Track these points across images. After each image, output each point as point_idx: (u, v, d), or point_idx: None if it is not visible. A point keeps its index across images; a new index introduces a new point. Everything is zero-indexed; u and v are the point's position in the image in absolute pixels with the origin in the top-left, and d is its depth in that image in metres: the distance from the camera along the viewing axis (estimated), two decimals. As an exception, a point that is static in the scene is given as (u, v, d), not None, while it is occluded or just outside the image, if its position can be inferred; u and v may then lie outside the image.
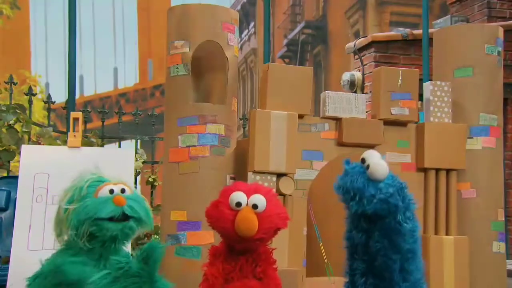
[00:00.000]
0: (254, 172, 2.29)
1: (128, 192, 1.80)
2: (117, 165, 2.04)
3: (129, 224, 1.77)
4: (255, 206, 1.76)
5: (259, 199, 1.77)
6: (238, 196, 1.77)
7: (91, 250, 1.77)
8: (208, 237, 2.24)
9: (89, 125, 3.84)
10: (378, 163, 1.71)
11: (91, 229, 1.73)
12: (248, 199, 1.77)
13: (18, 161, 2.78)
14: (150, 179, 3.80)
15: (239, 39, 2.56)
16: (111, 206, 1.74)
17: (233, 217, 1.75)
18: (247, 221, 1.73)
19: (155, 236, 3.47)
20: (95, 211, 1.73)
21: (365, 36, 6.31)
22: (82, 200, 1.74)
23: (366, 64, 6.14)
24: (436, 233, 2.54)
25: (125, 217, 1.76)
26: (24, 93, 3.60)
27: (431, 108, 2.59)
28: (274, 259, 1.88)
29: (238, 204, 1.76)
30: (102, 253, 1.78)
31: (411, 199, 1.77)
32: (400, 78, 2.56)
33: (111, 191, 1.76)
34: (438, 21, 6.43)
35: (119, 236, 1.77)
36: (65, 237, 1.79)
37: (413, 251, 1.76)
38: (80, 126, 2.62)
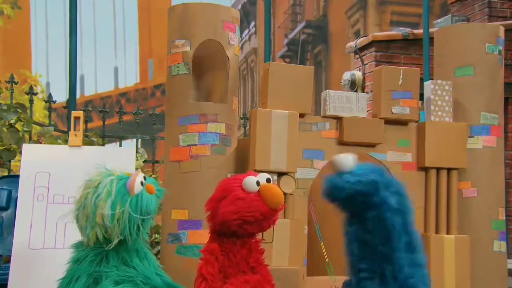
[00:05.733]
0: (255, 171, 2.29)
1: (146, 177, 1.87)
2: (118, 164, 2.04)
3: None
4: (268, 180, 1.81)
5: (266, 175, 1.82)
6: (251, 178, 1.81)
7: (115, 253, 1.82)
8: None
9: (90, 125, 3.85)
10: (339, 156, 1.72)
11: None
12: (258, 179, 1.81)
13: (19, 161, 2.79)
14: (151, 178, 3.80)
15: (240, 39, 2.56)
16: (152, 197, 1.83)
17: (258, 196, 1.78)
18: (275, 190, 1.79)
19: (156, 235, 3.47)
20: (151, 206, 1.82)
21: (366, 36, 6.31)
22: (124, 201, 1.77)
23: (366, 64, 6.14)
24: (437, 232, 2.54)
25: None
26: (25, 92, 3.60)
27: (432, 107, 2.60)
28: (262, 249, 1.91)
29: (258, 182, 1.79)
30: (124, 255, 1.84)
31: (393, 179, 1.75)
32: (401, 77, 2.56)
33: (141, 183, 1.82)
34: (439, 20, 6.44)
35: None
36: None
37: (406, 232, 1.72)
38: (81, 125, 2.62)
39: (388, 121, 2.54)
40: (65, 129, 3.54)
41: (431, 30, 4.11)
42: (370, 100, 3.11)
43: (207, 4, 2.42)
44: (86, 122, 3.67)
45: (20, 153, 2.87)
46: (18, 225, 2.40)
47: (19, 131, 3.24)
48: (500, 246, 2.59)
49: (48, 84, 18.12)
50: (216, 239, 1.85)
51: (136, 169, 3.48)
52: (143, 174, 1.86)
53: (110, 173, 1.85)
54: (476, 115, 2.64)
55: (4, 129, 3.19)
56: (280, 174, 2.35)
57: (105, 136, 3.90)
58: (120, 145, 4.02)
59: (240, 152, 2.43)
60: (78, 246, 1.87)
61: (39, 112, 9.41)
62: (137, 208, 1.78)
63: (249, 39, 19.88)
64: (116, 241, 1.78)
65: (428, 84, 2.63)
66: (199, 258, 1.85)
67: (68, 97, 3.39)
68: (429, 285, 1.75)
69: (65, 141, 3.08)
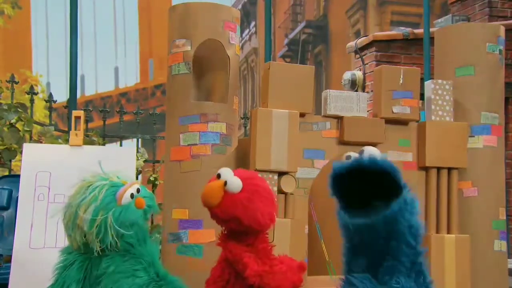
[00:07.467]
0: (256, 170, 2.30)
1: (141, 190, 1.83)
2: (118, 164, 2.04)
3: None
4: (225, 183, 1.75)
5: (233, 180, 1.75)
6: (224, 170, 1.78)
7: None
8: (210, 236, 2.24)
9: (90, 125, 3.85)
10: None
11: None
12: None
13: (20, 160, 2.79)
14: (151, 178, 3.80)
15: (240, 38, 2.56)
16: (138, 212, 1.80)
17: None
18: (208, 189, 1.76)
19: (157, 235, 3.48)
20: (134, 221, 1.78)
21: (366, 36, 6.32)
22: (108, 209, 1.75)
23: (367, 64, 6.15)
24: (438, 231, 2.54)
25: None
26: (26, 92, 3.60)
27: (433, 106, 2.60)
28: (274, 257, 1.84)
29: (218, 175, 1.78)
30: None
31: None
32: (401, 77, 2.56)
33: (132, 195, 1.78)
34: (439, 20, 6.45)
35: None
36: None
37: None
38: (82, 125, 2.62)
39: (388, 121, 2.54)
40: (66, 129, 3.54)
41: (431, 30, 4.12)
42: (370, 100, 3.11)
43: (208, 4, 2.43)
44: (86, 121, 3.66)
45: (21, 152, 2.87)
46: (18, 224, 2.41)
47: (19, 131, 3.25)
48: (500, 245, 2.59)
49: (48, 84, 18.14)
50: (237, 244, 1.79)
51: (137, 169, 3.51)
52: (137, 186, 1.81)
53: (107, 177, 1.83)
54: (476, 114, 2.64)
55: (5, 128, 3.20)
56: (281, 174, 2.35)
57: (106, 136, 3.90)
58: (121, 145, 4.02)
59: (240, 151, 2.43)
60: (65, 251, 1.85)
61: (39, 111, 9.40)
62: (119, 220, 1.75)
63: (250, 39, 19.90)
64: (98, 249, 1.74)
65: (428, 84, 2.63)
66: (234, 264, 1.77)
67: (68, 96, 3.39)
68: None
69: (66, 141, 3.09)
